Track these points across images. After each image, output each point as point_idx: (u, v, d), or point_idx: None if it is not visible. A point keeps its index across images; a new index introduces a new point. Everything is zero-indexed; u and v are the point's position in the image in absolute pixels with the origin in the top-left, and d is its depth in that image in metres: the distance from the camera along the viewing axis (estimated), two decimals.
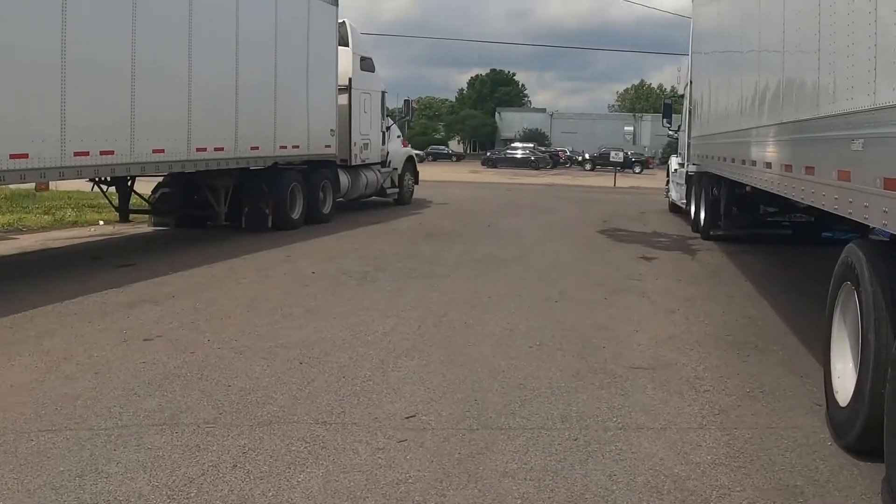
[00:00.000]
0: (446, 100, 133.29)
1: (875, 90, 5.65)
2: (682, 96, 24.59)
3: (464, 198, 30.01)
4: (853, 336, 5.97)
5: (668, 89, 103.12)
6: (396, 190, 25.79)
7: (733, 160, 12.57)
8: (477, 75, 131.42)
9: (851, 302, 5.92)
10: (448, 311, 10.11)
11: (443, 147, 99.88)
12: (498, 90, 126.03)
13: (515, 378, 7.44)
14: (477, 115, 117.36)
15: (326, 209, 20.42)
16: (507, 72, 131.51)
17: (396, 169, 25.72)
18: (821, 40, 7.31)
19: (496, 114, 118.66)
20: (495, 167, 72.72)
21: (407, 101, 29.27)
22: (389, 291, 11.38)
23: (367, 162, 23.31)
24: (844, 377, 6.05)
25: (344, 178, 21.68)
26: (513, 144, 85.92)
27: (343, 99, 21.53)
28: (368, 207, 24.16)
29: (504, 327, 9.36)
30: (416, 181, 27.65)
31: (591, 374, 7.58)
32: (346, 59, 21.70)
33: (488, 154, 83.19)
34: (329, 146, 20.46)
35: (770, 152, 10.08)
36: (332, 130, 20.50)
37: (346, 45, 21.87)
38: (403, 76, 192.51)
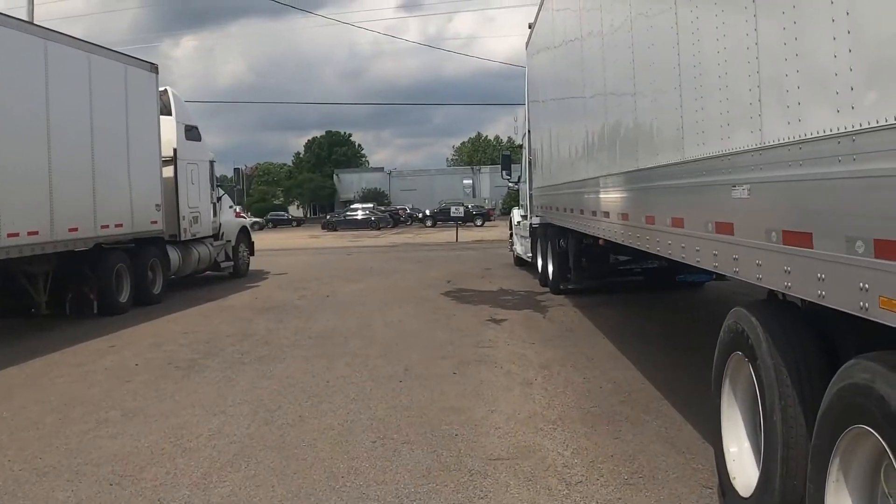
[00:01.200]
0: (284, 165, 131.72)
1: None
2: (521, 146, 24.03)
3: (303, 266, 28.65)
4: (749, 414, 5.04)
5: (505, 140, 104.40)
6: (231, 263, 24.25)
7: (582, 212, 11.76)
8: (314, 138, 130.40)
9: (744, 375, 5.01)
10: (282, 403, 8.86)
11: (283, 213, 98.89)
12: (335, 151, 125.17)
13: (357, 486, 6.27)
14: (315, 178, 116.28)
15: (157, 289, 18.79)
16: (343, 133, 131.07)
17: (230, 241, 24.23)
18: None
19: (334, 176, 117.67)
20: (335, 230, 71.44)
21: (237, 170, 27.87)
22: (218, 382, 10.04)
23: (198, 236, 21.74)
24: (742, 461, 5.11)
25: (174, 255, 20.10)
26: (352, 206, 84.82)
27: (168, 171, 19.95)
28: (203, 283, 22.50)
29: (343, 419, 8.16)
30: (252, 252, 26.18)
31: (444, 473, 6.46)
32: (169, 129, 20.16)
33: (328, 217, 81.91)
34: (156, 222, 18.90)
35: (620, 202, 9.35)
36: (157, 205, 18.95)
37: (170, 114, 20.38)
38: (240, 142, 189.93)
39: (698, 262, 6.22)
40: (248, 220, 27.96)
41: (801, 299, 4.34)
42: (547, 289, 18.15)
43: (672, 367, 9.81)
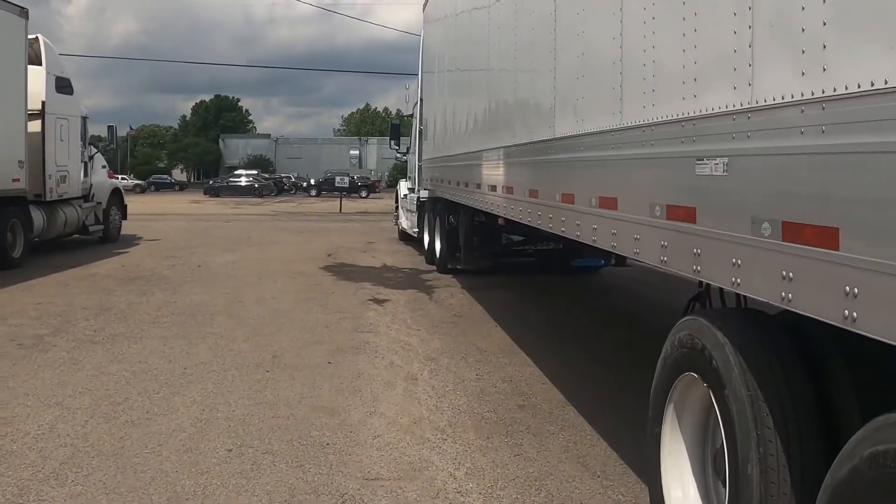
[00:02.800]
0: (171, 127, 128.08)
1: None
2: (411, 116, 22.77)
3: (178, 232, 26.84)
4: (699, 452, 3.97)
5: (395, 112, 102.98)
6: (101, 227, 22.39)
7: (479, 186, 10.62)
8: (201, 101, 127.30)
9: (697, 403, 3.95)
10: (129, 394, 7.53)
11: (166, 176, 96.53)
12: (223, 116, 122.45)
13: None
14: (201, 143, 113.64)
15: (17, 252, 16.96)
16: (231, 97, 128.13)
17: (101, 203, 22.37)
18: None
19: (220, 140, 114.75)
20: (218, 196, 69.15)
21: (111, 128, 25.80)
22: (62, 365, 8.61)
23: (66, 196, 19.86)
24: None
25: (38, 216, 18.24)
26: (236, 172, 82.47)
27: (35, 126, 18.06)
28: (69, 248, 20.57)
29: (197, 418, 6.87)
30: (125, 216, 24.31)
31: (311, 497, 5.28)
32: (38, 80, 18.16)
33: (210, 182, 79.43)
34: (17, 180, 17.01)
35: (515, 176, 8.36)
36: (20, 162, 17.06)
37: (39, 64, 18.42)
38: (129, 104, 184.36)
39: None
40: (124, 181, 25.99)
41: (776, 307, 3.29)
42: (433, 267, 17.02)
43: (575, 363, 8.80)
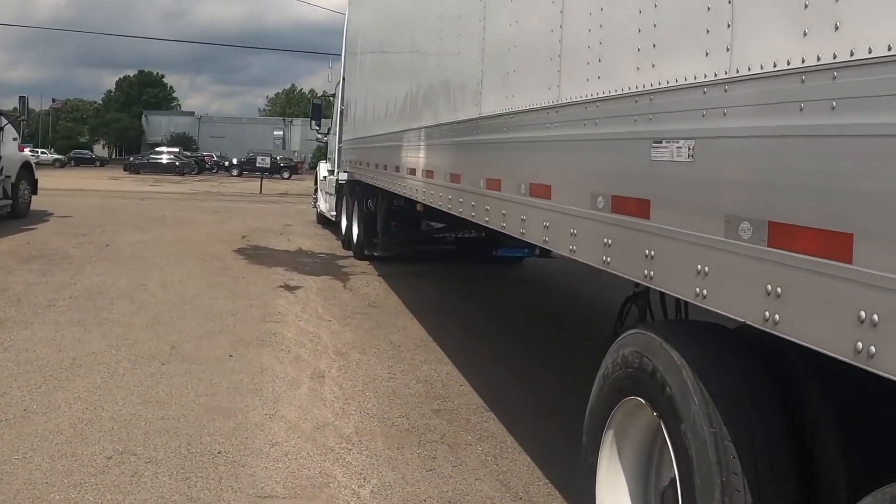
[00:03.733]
0: (94, 102, 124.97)
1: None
2: (333, 96, 21.95)
3: (91, 209, 25.59)
4: (641, 489, 3.37)
5: (320, 94, 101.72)
6: (9, 202, 21.12)
7: (397, 169, 9.95)
8: (125, 76, 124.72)
9: (642, 431, 3.36)
10: (10, 388, 6.76)
11: (87, 152, 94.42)
12: (146, 92, 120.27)
13: None
14: (123, 118, 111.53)
15: None
16: (156, 73, 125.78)
17: (10, 177, 21.09)
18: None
19: (143, 117, 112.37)
20: (138, 173, 67.30)
21: (22, 98, 24.37)
22: None
23: None
24: None
25: None
26: (157, 149, 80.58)
27: None
28: None
29: (78, 418, 6.12)
30: (35, 191, 23.02)
31: None
32: None
33: (131, 159, 77.39)
34: None
35: (437, 159, 7.76)
36: None
37: None
38: (54, 77, 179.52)
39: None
40: (44, 156, 24.57)
41: (735, 321, 2.70)
42: (350, 253, 16.29)
43: (494, 363, 8.20)
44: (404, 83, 9.82)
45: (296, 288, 12.19)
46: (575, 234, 4.16)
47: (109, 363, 7.61)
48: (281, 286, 12.29)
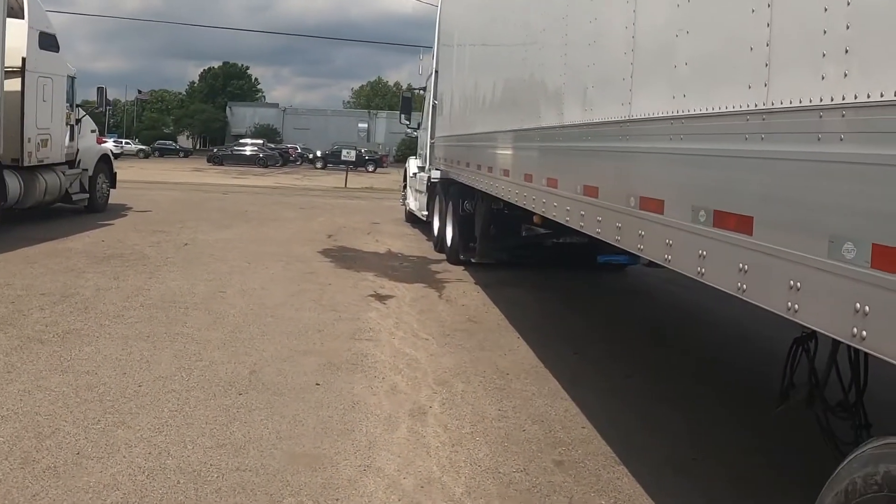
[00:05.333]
0: (179, 93, 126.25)
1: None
2: (423, 90, 21.00)
3: (172, 203, 25.10)
4: None
5: (407, 87, 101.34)
6: (86, 196, 20.62)
7: (506, 172, 8.93)
8: (210, 68, 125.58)
9: None
10: (63, 423, 5.92)
11: (171, 142, 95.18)
12: (231, 84, 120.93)
13: None
14: (207, 110, 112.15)
15: None
16: (240, 65, 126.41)
17: (87, 170, 20.59)
18: None
19: (227, 108, 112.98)
20: (222, 164, 67.48)
21: (101, 90, 23.87)
22: None
23: (47, 162, 18.08)
24: None
25: (13, 183, 16.47)
26: (241, 141, 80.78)
27: (14, 84, 16.31)
28: (50, 217, 18.74)
29: (139, 466, 5.24)
30: (113, 184, 22.52)
31: None
32: (19, 34, 16.34)
33: (215, 150, 77.68)
34: None
35: (559, 166, 6.76)
36: None
37: (21, 17, 16.64)
38: (139, 68, 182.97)
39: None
40: (128, 146, 24.01)
41: None
42: (443, 256, 15.36)
43: (613, 397, 7.18)
44: (515, 79, 8.81)
45: (387, 298, 11.25)
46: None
47: (179, 392, 6.73)
48: (371, 295, 11.37)
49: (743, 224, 3.46)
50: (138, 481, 4.99)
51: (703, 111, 3.86)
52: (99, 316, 9.27)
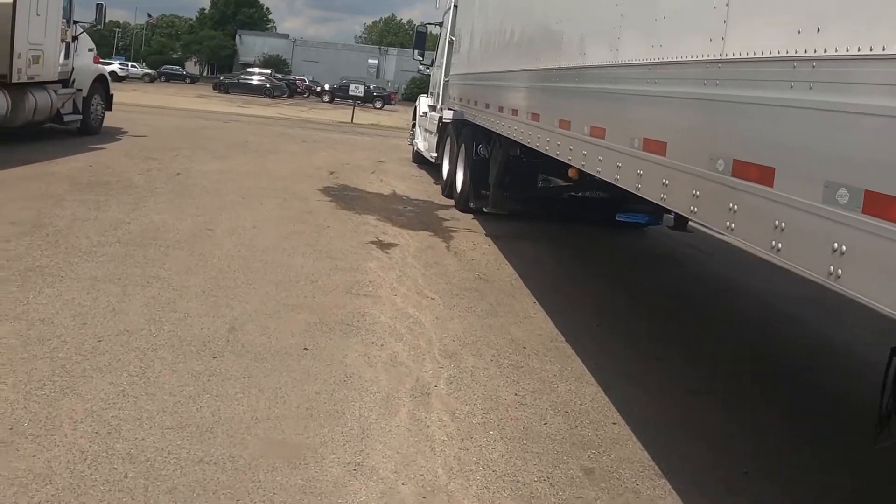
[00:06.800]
0: (190, 19, 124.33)
1: None
2: (439, 25, 19.78)
3: (170, 129, 23.93)
4: None
5: (420, 23, 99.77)
6: (79, 117, 19.44)
7: (534, 116, 7.85)
8: None
9: None
10: (2, 385, 4.93)
11: (178, 68, 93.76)
12: (242, 12, 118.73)
13: None
14: (216, 37, 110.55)
15: None
16: None
17: (82, 91, 19.40)
18: None
19: (237, 36, 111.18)
20: (227, 93, 66.01)
21: (99, 6, 22.57)
22: None
23: (38, 80, 16.90)
24: None
25: (0, 100, 15.40)
26: (248, 69, 79.26)
27: None
28: (40, 138, 17.55)
29: (81, 449, 4.28)
30: (109, 106, 21.32)
31: None
32: None
33: (221, 78, 76.11)
34: None
35: (610, 112, 5.66)
36: None
37: None
38: None
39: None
40: (133, 69, 22.75)
41: None
42: (451, 202, 14.32)
43: (650, 384, 6.19)
44: (557, 6, 7.70)
45: (390, 246, 10.23)
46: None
47: (144, 351, 5.73)
48: (372, 241, 10.35)
49: None
50: (77, 472, 4.02)
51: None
52: (69, 251, 8.24)
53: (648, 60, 4.74)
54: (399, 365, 6.01)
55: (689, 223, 10.37)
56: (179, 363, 5.55)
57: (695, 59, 4.04)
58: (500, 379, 5.95)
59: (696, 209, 3.80)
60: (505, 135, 9.89)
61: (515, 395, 5.68)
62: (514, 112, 8.96)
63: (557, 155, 6.76)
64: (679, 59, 4.30)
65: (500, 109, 9.96)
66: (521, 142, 8.67)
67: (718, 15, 3.82)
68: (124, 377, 5.21)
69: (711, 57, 3.84)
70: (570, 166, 6.98)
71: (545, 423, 5.24)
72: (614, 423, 5.37)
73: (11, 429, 4.38)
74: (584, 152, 5.76)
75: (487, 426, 5.10)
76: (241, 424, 4.71)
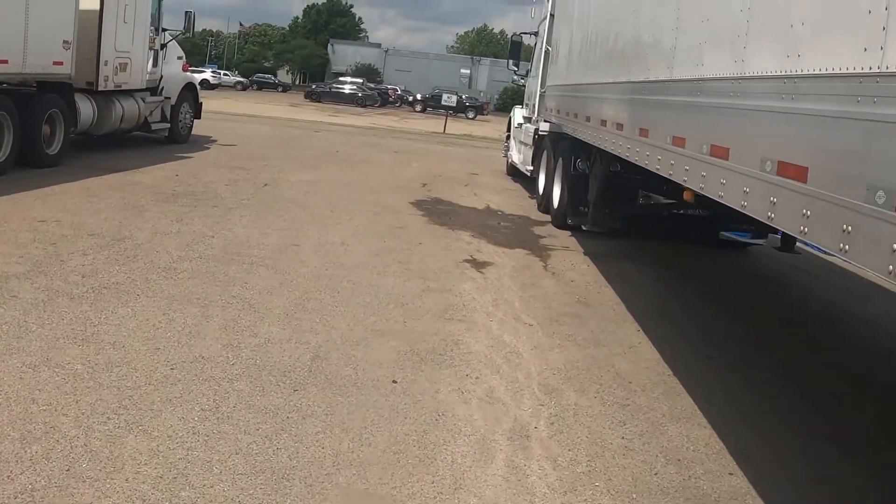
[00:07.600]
0: (283, 28, 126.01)
1: None
2: (535, 34, 19.28)
3: (259, 139, 23.92)
4: None
5: (512, 35, 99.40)
6: (167, 125, 19.47)
7: (642, 132, 7.31)
8: (313, 4, 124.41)
9: None
10: (64, 418, 4.64)
11: (270, 76, 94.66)
12: (334, 21, 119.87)
13: None
14: (308, 46, 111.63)
15: (54, 148, 14.06)
16: (344, 3, 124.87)
17: (170, 99, 19.44)
18: None
19: (329, 45, 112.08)
20: (319, 101, 66.46)
21: (188, 14, 22.61)
22: None
23: (125, 87, 16.93)
24: None
25: (86, 107, 15.33)
26: (340, 78, 79.69)
27: (92, 2, 15.14)
28: (125, 146, 17.63)
29: (143, 500, 3.91)
30: (198, 115, 21.36)
31: None
32: None
33: (313, 87, 76.71)
34: (60, 63, 14.02)
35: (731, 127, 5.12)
36: (66, 42, 14.06)
37: None
38: (243, 1, 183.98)
39: None
40: (226, 77, 22.78)
41: None
42: (548, 218, 13.83)
43: (769, 426, 5.63)
44: (658, 15, 7.18)
45: (485, 265, 9.78)
46: None
47: (220, 381, 5.36)
48: (467, 260, 9.92)
49: None
50: None
51: None
52: (147, 268, 7.98)
53: (783, 73, 4.21)
54: (495, 402, 5.55)
55: (797, 244, 9.77)
56: (257, 396, 5.17)
57: (844, 71, 3.51)
58: (605, 419, 5.46)
59: (847, 247, 3.27)
60: (608, 150, 9.37)
61: (622, 438, 5.18)
62: (619, 126, 8.43)
63: (671, 175, 6.22)
64: (821, 71, 3.77)
65: (602, 123, 9.45)
66: (628, 158, 8.13)
67: (876, 21, 3.28)
68: (195, 412, 4.85)
69: (867, 70, 3.31)
70: (683, 186, 6.43)
71: (655, 474, 4.73)
72: (731, 475, 4.83)
73: (68, 470, 4.04)
74: (703, 173, 5.24)
75: (592, 476, 4.61)
76: (321, 470, 4.31)
